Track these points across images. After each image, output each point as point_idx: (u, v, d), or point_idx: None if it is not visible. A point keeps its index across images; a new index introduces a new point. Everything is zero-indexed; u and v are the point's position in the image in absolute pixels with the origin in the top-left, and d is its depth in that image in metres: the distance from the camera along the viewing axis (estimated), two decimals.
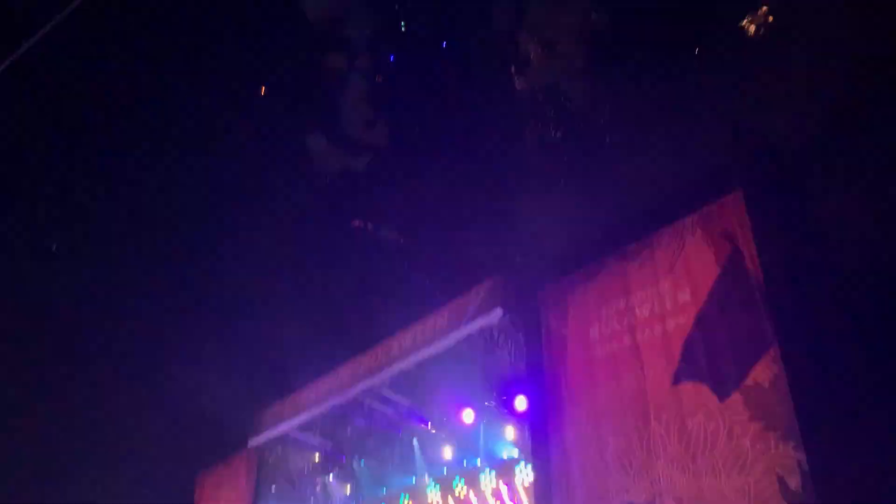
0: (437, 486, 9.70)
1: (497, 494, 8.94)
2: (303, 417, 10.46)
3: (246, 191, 10.21)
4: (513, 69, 8.02)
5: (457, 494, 9.43)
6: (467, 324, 8.28)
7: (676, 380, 6.40)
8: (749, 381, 5.96)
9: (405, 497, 10.07)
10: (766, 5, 6.54)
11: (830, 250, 5.93)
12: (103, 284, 11.25)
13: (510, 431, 8.73)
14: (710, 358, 6.26)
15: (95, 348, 11.96)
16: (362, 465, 10.71)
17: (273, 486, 11.25)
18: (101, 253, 11.05)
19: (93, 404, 12.08)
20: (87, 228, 10.88)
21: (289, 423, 10.67)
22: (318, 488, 11.14)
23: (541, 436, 7.34)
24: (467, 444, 9.40)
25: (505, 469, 8.91)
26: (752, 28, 6.63)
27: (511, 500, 8.75)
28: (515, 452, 8.82)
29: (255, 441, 11.15)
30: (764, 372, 5.89)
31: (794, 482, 5.45)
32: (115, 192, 10.62)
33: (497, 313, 8.00)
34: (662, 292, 6.63)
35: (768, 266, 6.13)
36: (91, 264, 11.10)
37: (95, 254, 11.08)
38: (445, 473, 9.65)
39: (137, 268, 11.18)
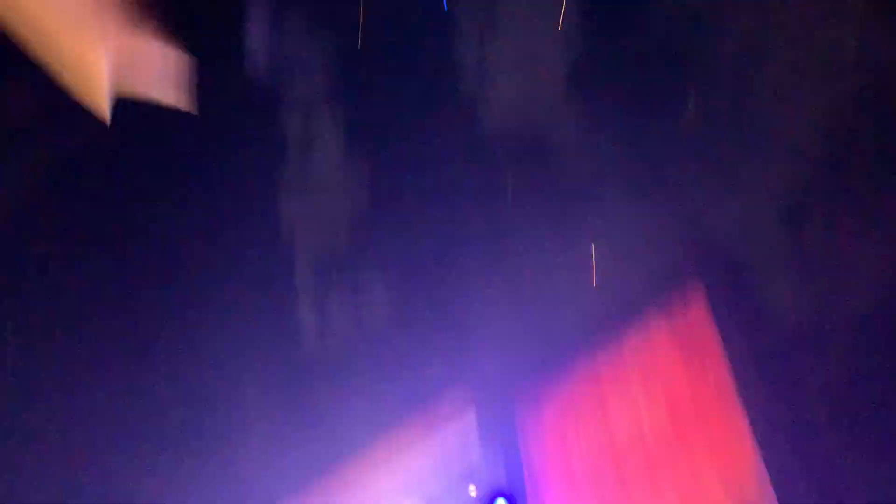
0: None
1: None
2: None
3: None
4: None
5: None
6: (439, 433, 8.16)
7: (658, 484, 6.38)
8: (730, 478, 5.98)
9: None
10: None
11: (797, 347, 6.07)
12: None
13: None
14: (689, 458, 6.27)
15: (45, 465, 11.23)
16: None
17: None
18: None
19: None
20: None
21: None
22: None
23: None
24: None
25: None
26: None
27: None
28: None
29: None
30: (744, 468, 5.93)
31: None
32: None
33: (471, 417, 7.92)
34: (637, 401, 6.65)
35: (736, 363, 6.24)
36: None
37: None
38: None
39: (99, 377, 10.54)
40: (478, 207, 7.98)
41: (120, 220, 9.31)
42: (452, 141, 7.88)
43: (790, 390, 6.09)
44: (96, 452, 10.64)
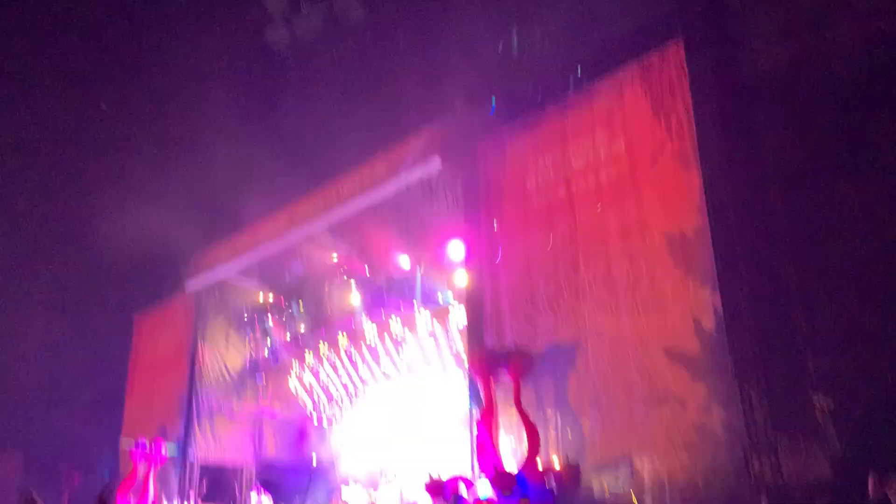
0: (374, 326, 10.07)
1: (432, 335, 9.35)
2: (241, 260, 10.52)
3: (188, 14, 9.46)
4: None
5: (393, 334, 9.83)
6: (406, 172, 8.29)
7: (605, 229, 6.66)
8: (674, 230, 6.24)
9: (343, 336, 10.43)
10: None
11: (763, 106, 6.07)
12: (23, 109, 10.51)
13: (446, 277, 9.05)
14: (638, 208, 6.50)
15: (21, 180, 11.44)
16: (301, 307, 10.96)
17: (211, 329, 11.43)
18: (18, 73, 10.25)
19: (23, 240, 11.78)
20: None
21: (227, 266, 10.73)
22: (256, 331, 11.41)
23: (475, 281, 7.62)
24: (404, 290, 9.70)
25: (440, 312, 9.28)
26: None
27: (445, 339, 9.19)
28: (450, 297, 9.17)
29: (192, 283, 11.22)
30: (689, 221, 6.16)
31: (707, 323, 5.85)
32: None
33: (435, 162, 8.02)
34: (598, 143, 6.75)
35: (701, 119, 6.26)
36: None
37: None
38: (382, 315, 9.98)
39: (64, 92, 10.39)
40: None
41: None
42: None
43: (747, 149, 6.17)
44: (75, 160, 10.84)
